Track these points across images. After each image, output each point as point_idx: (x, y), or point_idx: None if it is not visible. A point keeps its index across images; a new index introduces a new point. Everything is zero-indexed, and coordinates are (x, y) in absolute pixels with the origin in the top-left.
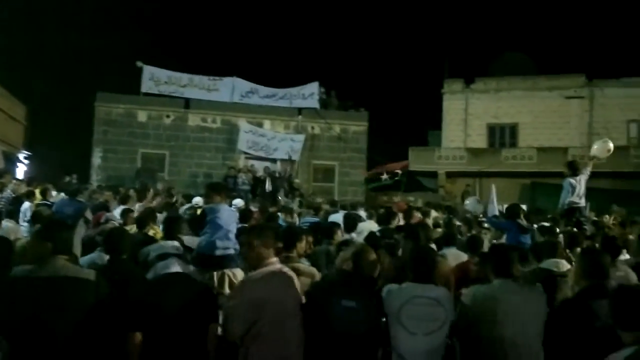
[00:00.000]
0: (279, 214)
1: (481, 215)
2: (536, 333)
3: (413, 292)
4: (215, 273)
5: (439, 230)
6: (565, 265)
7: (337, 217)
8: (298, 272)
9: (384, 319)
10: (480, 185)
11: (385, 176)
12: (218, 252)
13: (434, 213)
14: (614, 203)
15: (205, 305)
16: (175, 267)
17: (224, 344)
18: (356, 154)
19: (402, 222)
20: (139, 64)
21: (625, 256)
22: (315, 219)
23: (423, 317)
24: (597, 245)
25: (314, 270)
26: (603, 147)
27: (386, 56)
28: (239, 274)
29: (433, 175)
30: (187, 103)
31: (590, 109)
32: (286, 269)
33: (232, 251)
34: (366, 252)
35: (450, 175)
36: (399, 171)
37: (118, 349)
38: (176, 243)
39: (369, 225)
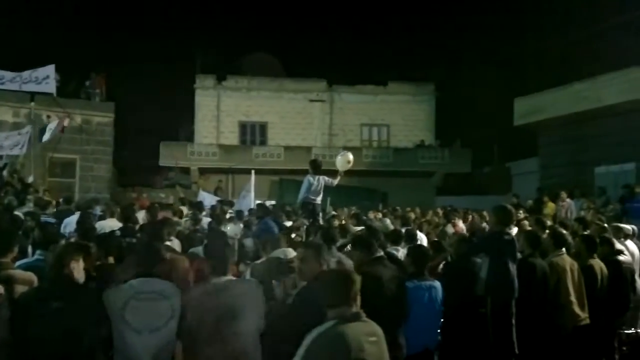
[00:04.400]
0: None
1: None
2: (257, 323)
3: (137, 288)
4: None
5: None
6: (291, 253)
7: (73, 219)
8: (13, 280)
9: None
10: (233, 181)
11: None
12: None
13: (184, 210)
14: (349, 199)
15: None
16: None
17: None
18: (101, 147)
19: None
20: None
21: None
22: (50, 219)
23: (148, 313)
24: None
25: (31, 276)
26: (343, 161)
27: (137, 46)
28: None
29: (186, 171)
30: None
31: (330, 112)
32: None
33: None
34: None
35: (203, 171)
36: None
37: None
38: None
39: (111, 224)
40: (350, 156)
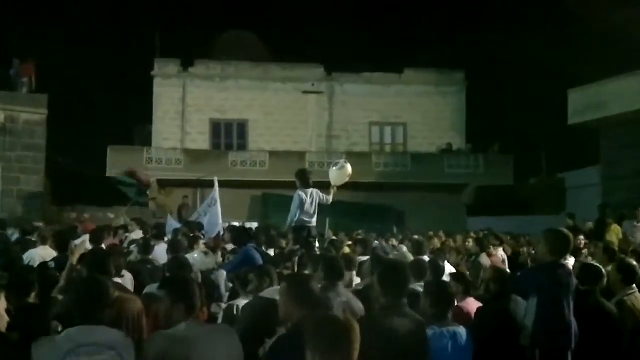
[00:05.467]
0: None
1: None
2: None
3: (76, 340)
4: None
5: None
6: None
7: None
8: None
9: None
10: (202, 197)
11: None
12: None
13: (139, 234)
14: (355, 220)
15: None
16: None
17: None
18: (30, 152)
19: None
20: None
21: (356, 279)
22: None
23: None
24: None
25: None
26: (341, 175)
27: (78, 25)
28: None
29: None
30: None
31: (329, 108)
32: None
33: None
34: None
35: (164, 184)
36: None
37: None
38: None
39: (42, 253)
40: (350, 169)
